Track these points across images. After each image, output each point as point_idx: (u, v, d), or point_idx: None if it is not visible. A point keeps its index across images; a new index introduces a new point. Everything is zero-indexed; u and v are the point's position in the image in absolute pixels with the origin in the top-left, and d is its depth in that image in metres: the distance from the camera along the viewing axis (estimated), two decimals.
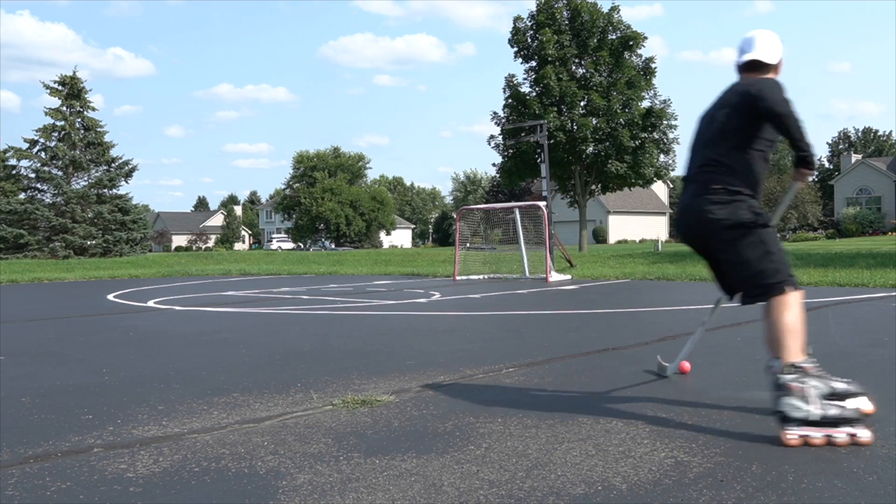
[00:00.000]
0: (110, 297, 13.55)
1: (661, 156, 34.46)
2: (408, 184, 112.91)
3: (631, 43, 33.55)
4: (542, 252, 17.44)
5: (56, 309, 11.39)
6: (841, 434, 3.20)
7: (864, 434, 3.22)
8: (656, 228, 66.83)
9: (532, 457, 3.16)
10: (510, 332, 7.65)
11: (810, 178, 3.77)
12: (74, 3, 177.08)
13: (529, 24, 34.80)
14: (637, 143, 33.14)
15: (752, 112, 3.48)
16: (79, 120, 38.31)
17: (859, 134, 76.26)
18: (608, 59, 33.42)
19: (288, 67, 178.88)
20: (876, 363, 5.27)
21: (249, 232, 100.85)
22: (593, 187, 35.77)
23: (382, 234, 73.31)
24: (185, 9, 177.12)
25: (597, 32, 33.51)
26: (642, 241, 60.52)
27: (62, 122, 37.87)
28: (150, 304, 11.70)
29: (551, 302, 11.07)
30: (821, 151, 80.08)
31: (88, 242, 36.51)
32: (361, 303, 11.26)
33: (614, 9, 33.97)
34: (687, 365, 4.94)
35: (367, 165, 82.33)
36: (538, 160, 21.45)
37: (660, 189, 69.91)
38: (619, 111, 32.74)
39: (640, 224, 66.38)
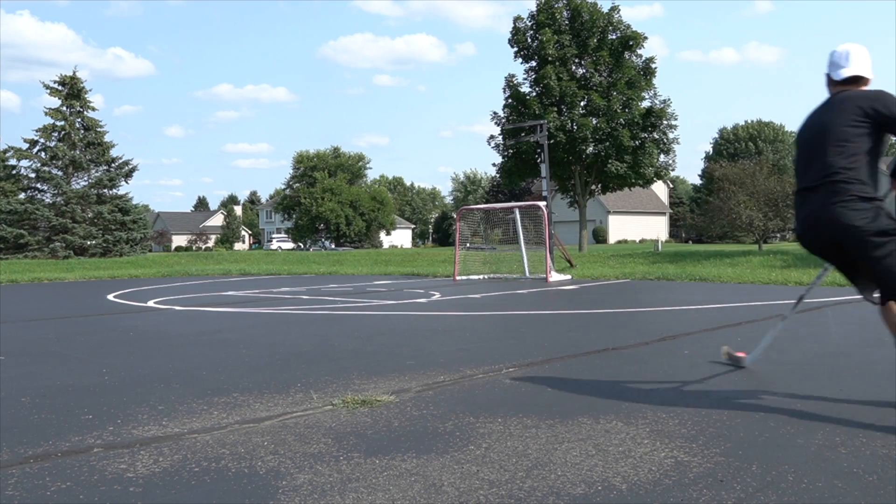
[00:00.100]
0: (110, 297, 13.55)
1: (661, 156, 34.45)
2: (408, 184, 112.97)
3: (631, 43, 33.56)
4: (542, 252, 17.45)
5: (56, 309, 11.39)
6: None
7: None
8: (656, 228, 66.83)
9: (532, 457, 3.16)
10: (510, 332, 7.65)
11: None
12: (74, 3, 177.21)
13: (529, 24, 34.81)
14: (637, 143, 33.14)
15: (878, 122, 3.69)
16: (79, 120, 38.31)
17: None
18: (608, 59, 33.42)
19: (288, 67, 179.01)
20: (876, 363, 5.28)
21: (249, 232, 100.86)
22: (593, 187, 35.78)
23: (382, 234, 73.29)
24: (185, 9, 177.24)
25: (597, 32, 33.51)
26: (642, 241, 60.53)
27: (62, 122, 37.86)
28: (150, 304, 11.70)
29: (551, 302, 11.07)
30: None
31: (88, 242, 36.50)
32: (361, 303, 11.26)
33: (614, 9, 33.97)
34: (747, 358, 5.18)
35: (367, 165, 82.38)
36: (538, 160, 21.45)
37: (660, 189, 69.91)
38: (619, 111, 32.75)
39: (640, 224, 66.39)
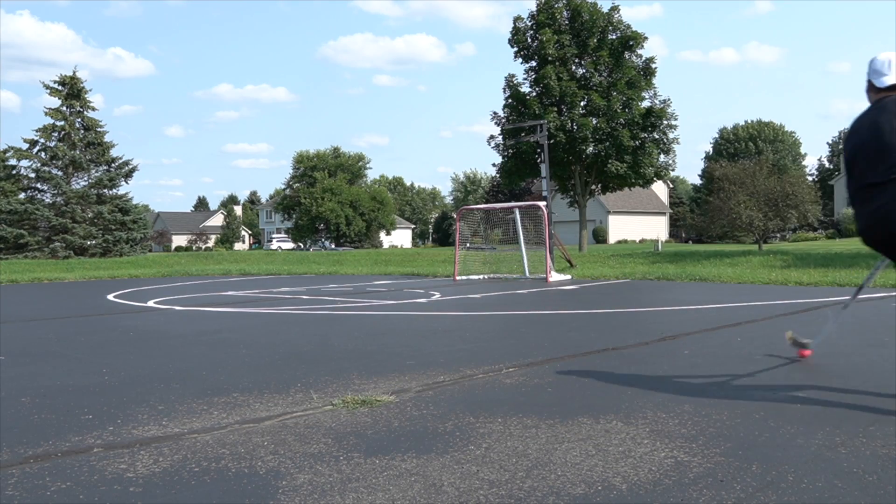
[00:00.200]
0: (110, 297, 13.55)
1: (661, 156, 34.45)
2: (408, 184, 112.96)
3: (631, 43, 33.56)
4: (542, 252, 17.45)
5: (56, 309, 11.39)
6: None
7: None
8: (656, 228, 66.83)
9: (532, 457, 3.16)
10: (510, 332, 7.65)
11: None
12: (74, 3, 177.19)
13: (529, 24, 34.80)
14: (637, 143, 33.14)
15: None
16: (79, 120, 38.30)
17: None
18: (608, 59, 33.42)
19: (288, 67, 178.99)
20: (876, 363, 5.28)
21: (249, 232, 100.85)
22: (593, 187, 35.78)
23: (382, 234, 73.28)
24: (185, 9, 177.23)
25: (597, 32, 33.51)
26: (642, 241, 60.52)
27: (62, 122, 37.86)
28: (150, 304, 11.70)
29: (551, 302, 11.06)
30: (821, 151, 79.94)
31: (88, 242, 36.49)
32: (361, 303, 11.26)
33: (614, 9, 33.97)
34: (808, 352, 5.41)
35: (367, 165, 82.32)
36: (538, 160, 21.43)
37: (660, 189, 69.91)
38: (619, 111, 32.75)
39: (640, 224, 66.38)
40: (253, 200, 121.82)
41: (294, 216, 70.36)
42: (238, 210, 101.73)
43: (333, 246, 64.07)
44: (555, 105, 33.47)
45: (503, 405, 4.13)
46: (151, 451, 3.36)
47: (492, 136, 35.79)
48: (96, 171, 38.68)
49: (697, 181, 74.06)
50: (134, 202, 40.28)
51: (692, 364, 5.37)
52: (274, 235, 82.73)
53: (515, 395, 4.39)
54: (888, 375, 4.81)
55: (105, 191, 38.54)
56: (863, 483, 2.76)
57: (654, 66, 34.01)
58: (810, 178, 52.24)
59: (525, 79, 35.23)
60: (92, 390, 4.75)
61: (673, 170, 36.12)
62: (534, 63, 34.63)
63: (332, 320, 8.86)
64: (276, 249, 62.00)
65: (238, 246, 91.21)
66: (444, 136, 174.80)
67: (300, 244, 69.34)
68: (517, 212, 18.24)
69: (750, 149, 68.63)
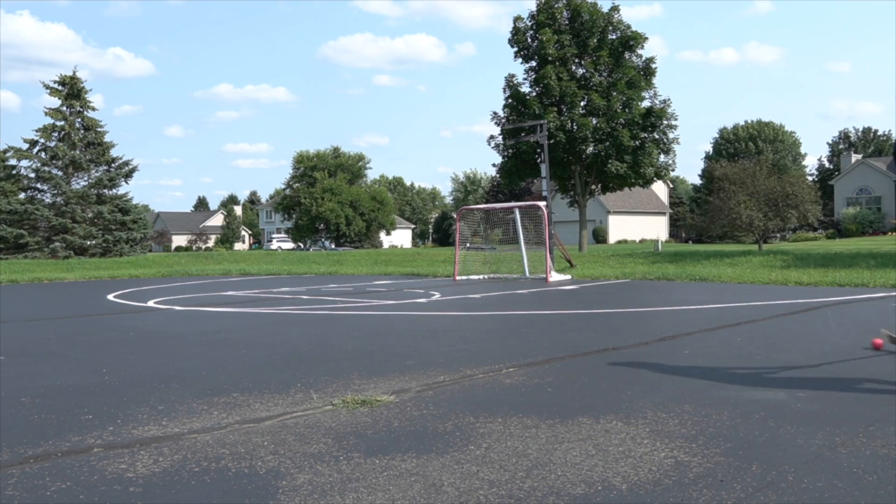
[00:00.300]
0: (110, 297, 13.55)
1: (661, 156, 34.44)
2: (408, 184, 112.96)
3: (631, 43, 33.55)
4: (542, 252, 17.45)
5: (56, 309, 11.39)
6: None
7: None
8: (656, 228, 66.82)
9: (532, 457, 3.16)
10: (510, 332, 7.65)
11: None
12: (74, 3, 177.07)
13: (529, 23, 34.79)
14: (637, 143, 33.13)
15: None
16: (79, 120, 38.29)
17: (859, 134, 76.29)
18: (608, 59, 33.41)
19: (288, 67, 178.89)
20: (876, 363, 5.28)
21: (249, 232, 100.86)
22: (593, 187, 35.77)
23: (382, 234, 73.27)
24: (185, 9, 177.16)
25: (597, 32, 33.50)
26: (642, 241, 60.52)
27: (62, 122, 37.85)
28: (150, 304, 11.70)
29: (551, 302, 11.07)
30: (821, 151, 79.90)
31: (88, 242, 36.48)
32: (361, 303, 11.26)
33: (614, 9, 33.95)
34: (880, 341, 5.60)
35: (367, 165, 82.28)
36: (538, 160, 21.41)
37: (660, 189, 69.90)
38: (619, 111, 32.75)
39: (640, 224, 66.38)
40: (253, 200, 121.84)
41: (294, 216, 70.36)
42: (238, 210, 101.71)
43: (333, 246, 64.07)
44: (555, 105, 33.46)
45: (503, 405, 4.13)
46: (151, 451, 3.36)
47: (492, 136, 35.79)
48: (96, 171, 38.67)
49: (697, 181, 74.06)
50: (134, 202, 40.28)
51: (692, 364, 5.37)
52: (274, 235, 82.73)
53: (515, 395, 4.39)
54: (888, 375, 4.81)
55: (105, 191, 38.54)
56: (863, 483, 2.76)
57: (654, 66, 34.00)
58: (810, 178, 52.26)
59: (525, 79, 35.23)
60: (92, 390, 4.76)
61: (673, 170, 36.10)
62: (534, 63, 34.62)
63: (332, 320, 8.86)
64: (276, 249, 62.00)
65: (238, 246, 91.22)
66: (444, 136, 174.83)
67: (300, 244, 69.34)
68: (517, 212, 18.23)
69: (750, 149, 68.62)
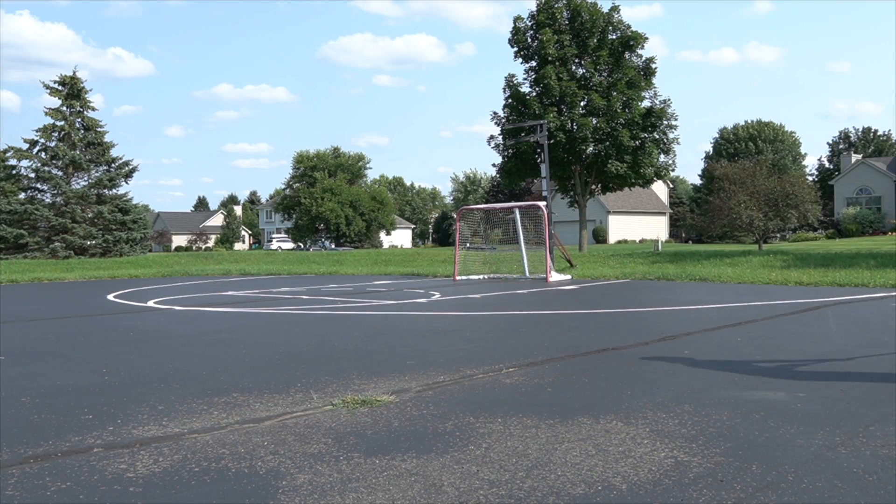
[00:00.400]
0: (110, 297, 13.55)
1: (661, 156, 34.43)
2: (408, 184, 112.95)
3: (631, 43, 33.56)
4: (542, 252, 17.44)
5: (56, 309, 11.39)
6: None
7: None
8: (656, 228, 66.82)
9: (532, 457, 3.16)
10: (510, 332, 7.65)
11: None
12: (74, 3, 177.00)
13: (529, 24, 34.79)
14: (637, 143, 33.13)
15: None
16: (79, 120, 38.28)
17: (859, 134, 76.29)
18: (608, 59, 33.41)
19: (288, 67, 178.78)
20: (876, 363, 5.28)
21: (249, 232, 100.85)
22: (593, 187, 35.77)
23: (382, 234, 73.25)
24: (185, 9, 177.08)
25: (597, 32, 33.50)
26: (642, 241, 60.51)
27: (62, 122, 37.83)
28: (150, 304, 11.70)
29: (551, 302, 11.06)
30: (821, 151, 79.79)
31: (88, 242, 36.47)
32: (361, 303, 11.26)
33: (614, 9, 33.95)
34: None
35: (367, 165, 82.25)
36: (538, 160, 21.40)
37: (660, 189, 69.89)
38: (619, 111, 32.75)
39: (640, 224, 66.37)
40: (253, 200, 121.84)
41: (294, 216, 70.34)
42: (238, 210, 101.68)
43: (333, 246, 64.06)
44: (555, 105, 33.46)
45: (503, 405, 4.13)
46: (151, 451, 3.36)
47: (492, 136, 35.78)
48: (96, 171, 38.66)
49: (697, 181, 74.05)
50: (134, 202, 40.27)
51: (692, 364, 5.37)
52: (274, 235, 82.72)
53: (515, 395, 4.39)
54: (888, 375, 4.81)
55: (105, 191, 38.53)
56: (863, 483, 2.76)
57: (654, 66, 34.00)
58: (810, 178, 52.24)
59: (525, 79, 35.22)
60: (92, 390, 4.75)
61: (673, 170, 36.10)
62: (534, 63, 34.62)
63: (332, 320, 8.86)
64: (276, 249, 62.01)
65: (238, 246, 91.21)
66: (444, 136, 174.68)
67: (300, 244, 69.33)
68: (517, 212, 18.23)
69: (750, 149, 68.62)
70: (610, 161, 33.16)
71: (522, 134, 31.26)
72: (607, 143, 32.92)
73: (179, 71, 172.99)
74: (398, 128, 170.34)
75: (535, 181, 50.77)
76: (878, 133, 76.37)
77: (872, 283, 12.79)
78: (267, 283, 17.26)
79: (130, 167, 39.46)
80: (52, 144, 37.71)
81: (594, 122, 32.99)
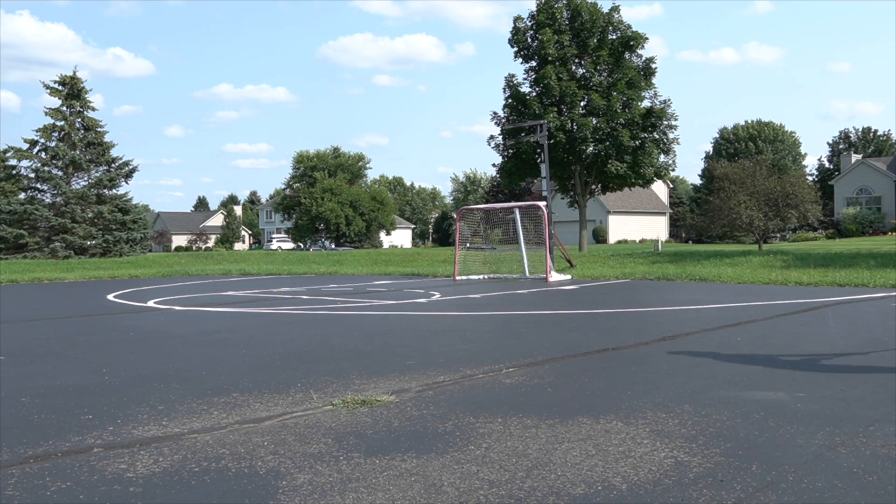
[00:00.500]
0: (110, 297, 13.55)
1: (661, 156, 34.44)
2: (408, 184, 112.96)
3: (631, 43, 33.56)
4: (542, 252, 17.44)
5: (56, 309, 11.39)
6: None
7: None
8: (656, 228, 66.82)
9: (532, 457, 3.16)
10: (510, 332, 7.65)
11: None
12: (74, 3, 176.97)
13: (529, 24, 34.79)
14: (637, 143, 33.13)
15: None
16: (79, 120, 38.29)
17: (859, 134, 76.30)
18: (608, 59, 33.41)
19: (288, 67, 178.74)
20: (876, 363, 5.28)
21: (249, 232, 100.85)
22: (593, 187, 35.77)
23: (382, 234, 73.25)
24: (185, 9, 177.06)
25: (597, 32, 33.50)
26: (642, 241, 60.52)
27: (62, 122, 37.84)
28: (150, 304, 11.70)
29: (551, 302, 11.06)
30: (821, 151, 79.75)
31: (88, 242, 36.48)
32: (361, 303, 11.26)
33: (614, 9, 33.95)
34: None
35: (367, 165, 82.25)
36: (538, 160, 21.42)
37: (660, 189, 69.91)
38: (619, 111, 32.75)
39: (640, 224, 66.37)
40: (253, 200, 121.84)
41: (294, 216, 70.34)
42: (238, 210, 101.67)
43: (333, 246, 64.06)
44: (555, 105, 33.46)
45: (503, 405, 4.13)
46: (151, 451, 3.36)
47: (492, 136, 35.79)
48: (96, 171, 38.67)
49: (697, 181, 74.04)
50: (134, 202, 40.28)
51: (692, 364, 5.37)
52: (274, 235, 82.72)
53: (515, 395, 4.39)
54: (888, 375, 4.81)
55: (105, 191, 38.54)
56: (863, 483, 2.76)
57: (654, 66, 34.00)
58: (810, 178, 52.24)
59: (525, 79, 35.23)
60: (92, 390, 4.75)
61: (673, 170, 36.11)
62: (534, 63, 34.63)
63: (332, 320, 8.86)
64: (276, 249, 62.02)
65: (238, 246, 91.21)
66: (444, 136, 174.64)
67: (300, 244, 69.34)
68: (517, 212, 18.23)
69: (750, 149, 68.62)
70: (610, 161, 33.17)
71: (522, 134, 31.27)
72: (607, 143, 32.93)
73: (179, 71, 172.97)
74: (398, 128, 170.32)
75: (535, 181, 50.77)
76: (878, 133, 76.38)
77: (872, 283, 12.79)
78: (267, 283, 17.27)
79: (130, 167, 39.48)
80: (52, 144, 37.72)
81: (594, 122, 32.99)
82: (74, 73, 38.75)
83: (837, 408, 3.95)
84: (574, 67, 34.35)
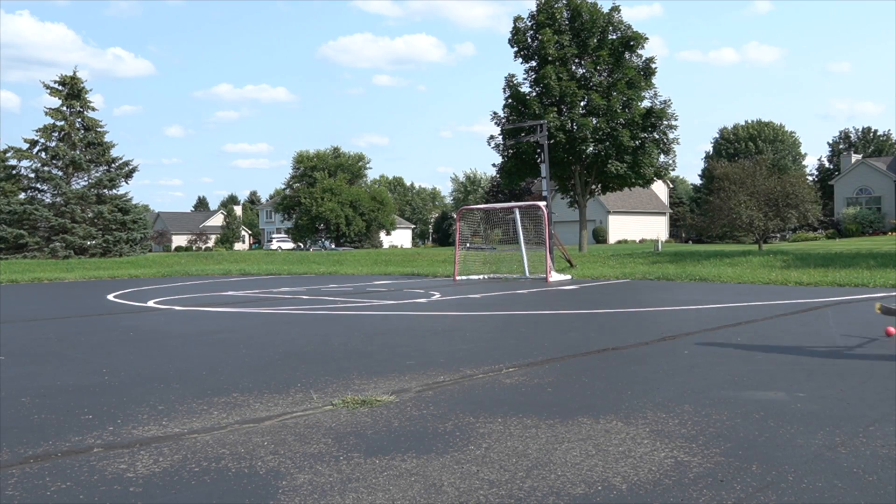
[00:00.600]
0: (110, 297, 13.55)
1: (661, 156, 34.43)
2: (408, 184, 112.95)
3: (631, 43, 33.56)
4: (542, 252, 17.44)
5: (56, 309, 11.39)
6: None
7: None
8: (656, 228, 66.82)
9: (532, 457, 3.16)
10: (510, 332, 7.65)
11: None
12: (74, 3, 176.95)
13: (529, 24, 34.79)
14: (637, 143, 33.13)
15: None
16: (79, 120, 38.29)
17: (859, 134, 76.29)
18: (608, 59, 33.41)
19: (288, 67, 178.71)
20: (876, 363, 5.27)
21: (249, 232, 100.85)
22: (593, 187, 35.77)
23: (382, 235, 73.25)
24: (185, 9, 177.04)
25: (597, 32, 33.50)
26: (642, 241, 60.52)
27: (62, 122, 37.84)
28: (150, 304, 11.69)
29: (551, 302, 11.06)
30: (821, 151, 79.74)
31: (88, 242, 36.48)
32: (361, 303, 11.26)
33: (614, 9, 33.95)
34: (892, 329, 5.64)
35: (367, 165, 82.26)
36: (538, 160, 21.41)
37: (660, 189, 69.91)
38: (619, 111, 32.75)
39: (640, 224, 66.37)
40: (253, 200, 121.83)
41: (294, 216, 70.34)
42: (238, 210, 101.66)
43: (333, 246, 64.06)
44: (555, 105, 33.46)
45: (503, 405, 4.13)
46: (151, 451, 3.36)
47: (492, 136, 35.78)
48: (96, 172, 38.67)
49: (697, 181, 74.04)
50: (134, 202, 40.27)
51: (692, 364, 5.37)
52: (274, 235, 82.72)
53: (515, 395, 4.39)
54: (888, 375, 4.81)
55: (105, 191, 38.54)
56: (863, 483, 2.76)
57: (654, 66, 34.01)
58: (810, 178, 52.25)
59: (525, 79, 35.22)
60: (92, 390, 4.75)
61: (673, 170, 36.12)
62: (534, 63, 34.62)
63: (332, 320, 8.86)
64: (276, 249, 62.02)
65: (238, 246, 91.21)
66: (444, 136, 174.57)
67: (300, 244, 69.34)
68: (517, 212, 18.23)
69: (750, 149, 68.61)
70: (610, 161, 33.17)
71: (522, 134, 31.27)
72: (607, 143, 32.93)
73: (179, 71, 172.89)
74: (398, 128, 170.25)
75: (535, 181, 50.77)
76: (878, 133, 76.38)
77: (872, 283, 12.79)
78: (267, 283, 17.26)
79: (130, 167, 39.48)
80: (52, 144, 37.72)
81: (594, 122, 32.99)
82: (74, 73, 38.76)
83: (837, 408, 3.95)
84: (574, 67, 34.35)
